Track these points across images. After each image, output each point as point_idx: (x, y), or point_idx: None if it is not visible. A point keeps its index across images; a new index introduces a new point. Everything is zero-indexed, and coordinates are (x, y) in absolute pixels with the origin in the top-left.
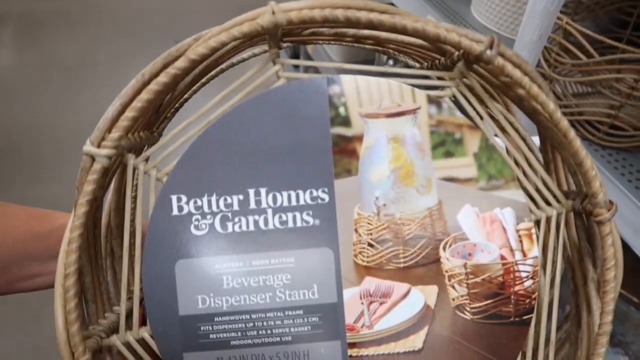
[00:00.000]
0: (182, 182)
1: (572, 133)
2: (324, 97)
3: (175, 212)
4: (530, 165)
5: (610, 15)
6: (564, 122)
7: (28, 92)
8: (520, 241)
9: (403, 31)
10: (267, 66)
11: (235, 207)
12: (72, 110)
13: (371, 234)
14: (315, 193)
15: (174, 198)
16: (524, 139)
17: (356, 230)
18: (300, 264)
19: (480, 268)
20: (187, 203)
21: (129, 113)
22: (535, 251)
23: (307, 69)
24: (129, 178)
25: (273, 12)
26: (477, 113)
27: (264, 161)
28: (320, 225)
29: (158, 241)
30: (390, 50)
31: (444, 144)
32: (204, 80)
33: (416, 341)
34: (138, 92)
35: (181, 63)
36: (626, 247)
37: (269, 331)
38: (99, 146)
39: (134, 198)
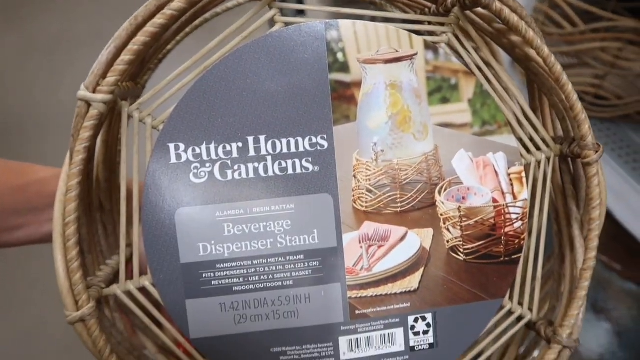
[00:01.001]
0: (180, 130)
1: (564, 77)
2: (321, 42)
3: (173, 160)
4: (522, 110)
5: None
6: (558, 67)
7: (10, 73)
8: (511, 184)
9: None
10: (264, 11)
11: (235, 154)
12: (55, 89)
13: (369, 179)
14: (314, 140)
15: (171, 146)
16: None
17: (355, 177)
18: (301, 210)
19: (474, 211)
20: (185, 151)
21: (125, 56)
22: (525, 194)
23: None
24: (124, 126)
25: None
26: (472, 59)
27: (263, 108)
28: (320, 171)
29: (157, 190)
30: (377, 0)
31: (440, 90)
32: (187, 30)
33: (412, 282)
34: (132, 35)
35: (177, 4)
36: (607, 214)
37: (270, 276)
38: (94, 91)
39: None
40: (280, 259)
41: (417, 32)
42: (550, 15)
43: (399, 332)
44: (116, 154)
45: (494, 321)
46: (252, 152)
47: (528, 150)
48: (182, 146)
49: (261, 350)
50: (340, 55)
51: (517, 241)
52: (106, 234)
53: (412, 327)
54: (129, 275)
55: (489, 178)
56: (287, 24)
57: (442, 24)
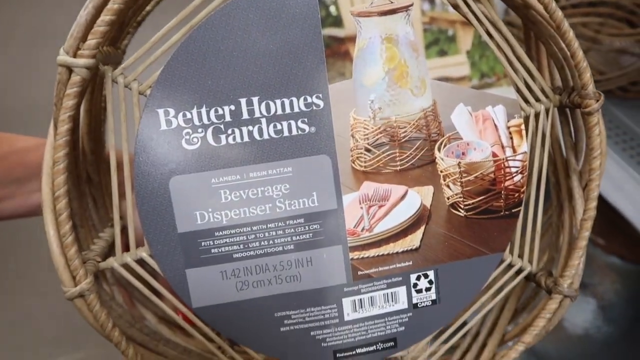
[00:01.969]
0: (168, 95)
1: (565, 24)
2: None
3: (163, 126)
4: (520, 61)
5: None
6: (559, 13)
7: None
8: (511, 138)
9: None
10: None
11: (227, 118)
12: (33, 81)
13: (367, 138)
14: (309, 99)
15: (160, 112)
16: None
17: (353, 136)
18: (299, 172)
19: (473, 166)
20: (176, 116)
21: (106, 16)
22: (524, 147)
23: None
24: (109, 93)
25: None
26: (470, 9)
27: (254, 68)
28: (317, 132)
29: (148, 158)
30: None
31: (438, 42)
32: None
33: (414, 240)
34: None
35: None
36: None
37: (271, 242)
38: (74, 55)
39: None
40: (280, 223)
41: None
42: None
43: (401, 291)
44: (101, 124)
45: (494, 275)
46: (245, 115)
47: (527, 102)
48: (171, 111)
49: (265, 316)
50: (332, 9)
51: (516, 195)
52: (96, 207)
53: (415, 285)
54: (124, 248)
55: (488, 132)
56: None
57: None
